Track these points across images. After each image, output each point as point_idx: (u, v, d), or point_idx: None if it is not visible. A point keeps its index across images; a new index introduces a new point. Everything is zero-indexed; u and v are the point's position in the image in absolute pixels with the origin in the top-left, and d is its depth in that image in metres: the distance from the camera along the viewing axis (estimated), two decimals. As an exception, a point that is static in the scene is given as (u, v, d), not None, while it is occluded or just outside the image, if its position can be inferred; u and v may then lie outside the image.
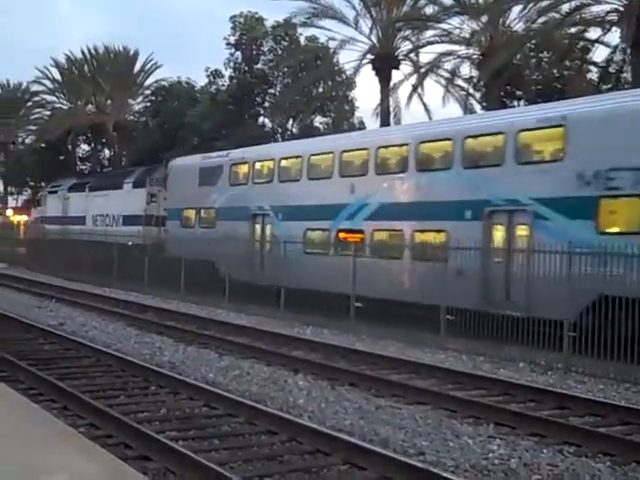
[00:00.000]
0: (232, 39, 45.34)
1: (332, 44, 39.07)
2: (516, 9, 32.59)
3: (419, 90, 37.08)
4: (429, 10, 35.29)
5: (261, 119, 47.46)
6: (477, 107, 36.37)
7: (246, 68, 45.46)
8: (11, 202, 71.19)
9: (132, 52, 58.65)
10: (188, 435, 8.62)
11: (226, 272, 22.54)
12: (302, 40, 44.53)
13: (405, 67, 37.23)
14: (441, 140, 18.77)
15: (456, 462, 7.84)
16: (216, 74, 47.28)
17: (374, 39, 36.62)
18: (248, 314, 20.39)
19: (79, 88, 58.62)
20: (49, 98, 64.13)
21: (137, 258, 26.93)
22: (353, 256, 18.75)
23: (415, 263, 18.03)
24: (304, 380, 12.06)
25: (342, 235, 20.79)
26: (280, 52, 45.06)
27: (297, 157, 23.18)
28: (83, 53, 59.32)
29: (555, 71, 34.18)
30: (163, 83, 54.19)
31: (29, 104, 69.30)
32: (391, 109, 36.99)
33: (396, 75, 37.05)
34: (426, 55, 36.81)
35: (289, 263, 20.68)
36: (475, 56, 34.08)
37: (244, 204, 24.22)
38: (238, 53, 45.45)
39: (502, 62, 30.46)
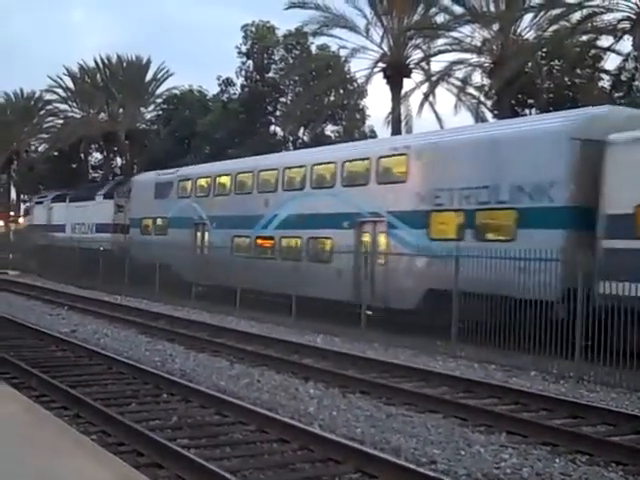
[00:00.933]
0: (244, 48, 45.57)
1: (343, 53, 39.23)
2: (527, 17, 32.62)
3: (430, 98, 37.12)
4: (440, 19, 35.34)
5: (273, 127, 47.60)
6: (489, 115, 36.39)
7: (258, 77, 45.61)
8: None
9: (144, 61, 58.94)
10: (200, 443, 8.63)
11: (177, 272, 26.38)
12: (313, 49, 44.68)
13: (416, 75, 37.29)
14: (327, 164, 22.75)
15: (468, 471, 7.82)
16: (228, 83, 47.46)
17: (385, 47, 36.69)
18: (259, 322, 20.42)
19: (92, 97, 58.95)
20: (62, 107, 64.49)
21: (148, 267, 27.21)
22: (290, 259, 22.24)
23: (310, 264, 21.22)
24: (315, 388, 12.06)
25: (259, 241, 24.70)
26: (291, 61, 45.21)
27: (227, 175, 27.22)
28: (96, 62, 59.66)
29: (567, 79, 34.09)
30: (175, 91, 54.44)
31: (42, 113, 69.68)
32: (402, 117, 37.05)
33: (407, 83, 37.13)
34: (437, 63, 36.75)
35: (220, 265, 24.12)
36: (486, 64, 34.05)
37: (189, 214, 27.94)
38: (250, 62, 45.63)
39: (513, 70, 30.44)
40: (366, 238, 20.62)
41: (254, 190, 25.15)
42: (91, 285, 29.34)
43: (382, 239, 20.04)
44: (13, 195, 71.71)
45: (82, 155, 61.63)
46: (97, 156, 64.12)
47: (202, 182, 28.47)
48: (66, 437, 6.40)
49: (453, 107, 36.73)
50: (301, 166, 23.62)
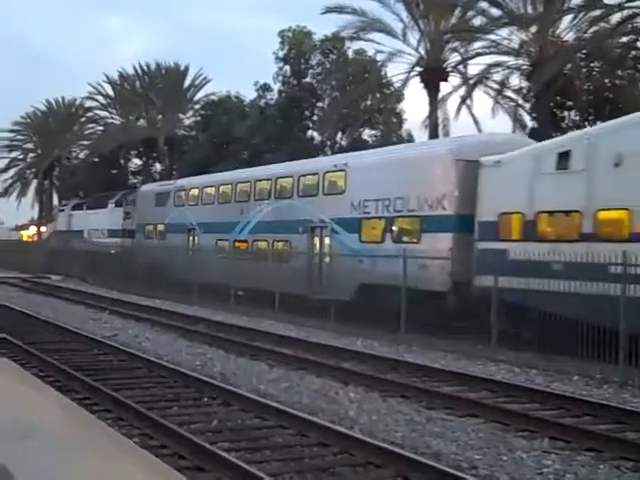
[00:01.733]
0: (281, 53, 45.74)
1: (380, 57, 39.20)
2: (566, 19, 32.23)
3: (468, 102, 36.90)
4: (477, 21, 35.11)
5: (310, 132, 47.68)
6: (527, 118, 36.08)
7: (295, 82, 45.75)
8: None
9: (182, 67, 59.49)
10: (240, 446, 8.67)
11: (173, 273, 29.18)
12: (350, 53, 44.67)
13: (453, 79, 37.12)
14: (288, 177, 26.07)
15: (510, 477, 7.75)
16: (265, 88, 47.67)
17: (422, 51, 36.61)
18: (297, 325, 20.47)
19: (131, 103, 59.66)
20: (102, 114, 65.35)
21: (187, 272, 27.59)
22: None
23: (274, 263, 24.21)
24: (355, 392, 12.05)
25: (237, 244, 27.85)
26: (328, 65, 45.27)
27: (212, 186, 30.94)
28: (135, 69, 60.40)
29: (607, 81, 33.64)
30: (213, 97, 54.83)
31: (83, 120, 70.67)
32: (440, 121, 36.89)
33: (444, 87, 36.97)
34: (474, 66, 36.54)
35: (208, 264, 27.14)
36: (524, 67, 33.74)
37: (183, 221, 31.48)
38: (287, 67, 45.79)
39: (552, 72, 30.09)
40: (315, 241, 24.05)
41: (232, 200, 28.79)
42: (131, 289, 29.68)
43: (326, 241, 23.51)
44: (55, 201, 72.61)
45: (122, 161, 62.32)
46: (136, 162, 64.77)
47: (193, 192, 32.04)
48: (110, 440, 6.46)
49: (491, 110, 36.47)
50: (268, 179, 27.28)
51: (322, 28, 53.35)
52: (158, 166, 62.27)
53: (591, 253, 14.50)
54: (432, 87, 36.10)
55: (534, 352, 15.05)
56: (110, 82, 61.82)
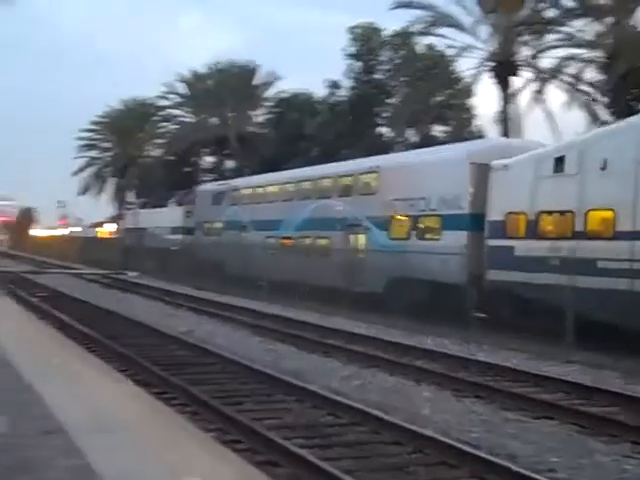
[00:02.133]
0: (351, 50, 45.69)
1: (450, 52, 38.79)
2: (643, 9, 31.38)
3: (540, 96, 36.24)
4: (550, 13, 34.45)
5: (380, 129, 47.52)
6: (602, 112, 35.19)
7: (365, 78, 45.66)
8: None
9: (254, 65, 59.97)
10: (314, 443, 8.73)
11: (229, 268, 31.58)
12: (420, 49, 44.33)
13: (526, 73, 36.50)
14: (328, 178, 27.95)
15: (589, 480, 7.62)
16: (335, 85, 47.71)
17: (493, 45, 36.08)
18: (368, 323, 20.46)
19: (203, 101, 60.43)
20: (175, 112, 66.38)
21: (259, 269, 27.94)
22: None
23: (317, 257, 26.20)
24: (428, 391, 12.01)
25: (283, 241, 29.72)
26: (398, 61, 45.02)
27: (262, 187, 33.34)
28: (207, 67, 61.17)
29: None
30: (283, 95, 55.09)
31: (157, 118, 71.91)
32: (511, 116, 36.31)
33: (516, 81, 36.38)
34: (547, 60, 35.83)
35: (258, 260, 29.06)
36: (600, 59, 32.95)
37: (237, 219, 33.71)
38: (357, 63, 45.72)
39: (629, 65, 29.33)
40: (352, 238, 25.68)
41: (280, 199, 30.74)
42: (206, 286, 30.11)
43: (362, 239, 25.16)
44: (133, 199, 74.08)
45: (195, 159, 63.19)
46: (209, 160, 65.58)
47: (246, 192, 34.43)
48: (187, 434, 6.60)
49: (565, 104, 35.72)
50: (311, 180, 29.14)
51: (391, 24, 53.12)
52: (230, 163, 62.94)
53: (581, 249, 16.42)
54: (503, 82, 35.59)
55: (607, 353, 14.75)
56: (183, 81, 62.77)
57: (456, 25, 36.02)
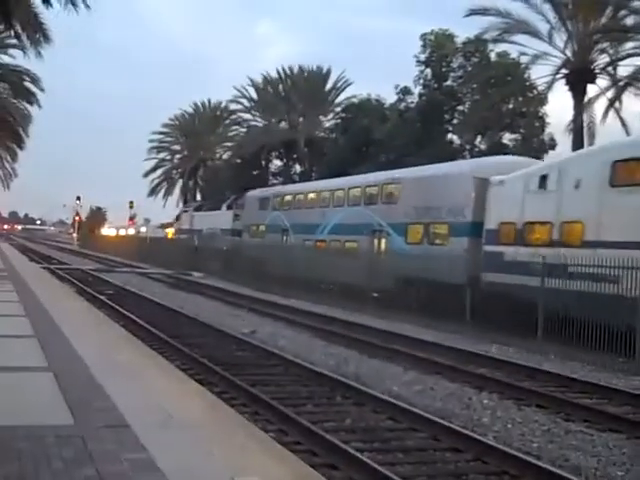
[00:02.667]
0: (422, 56, 45.50)
1: (524, 59, 38.23)
2: None
3: (616, 105, 35.46)
4: (630, 21, 33.66)
5: (449, 136, 47.18)
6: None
7: (435, 85, 45.41)
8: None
9: (324, 70, 60.27)
10: (373, 447, 8.71)
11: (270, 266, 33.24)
12: (492, 56, 43.85)
13: (601, 81, 35.76)
14: (357, 187, 30.90)
15: (654, 496, 7.41)
16: (405, 91, 47.57)
17: (569, 53, 35.47)
18: (433, 329, 20.30)
19: (273, 106, 61.00)
20: (245, 116, 67.13)
21: (321, 273, 28.11)
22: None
23: (345, 259, 28.62)
24: (489, 399, 11.86)
25: (318, 244, 32.38)
26: (470, 68, 44.63)
27: (301, 193, 36.26)
28: (278, 72, 61.74)
29: None
30: (353, 100, 55.17)
31: (227, 122, 72.86)
32: (585, 125, 35.62)
33: (591, 89, 35.68)
34: (625, 68, 35.02)
35: (297, 261, 31.44)
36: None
37: (279, 223, 36.34)
38: (428, 70, 45.51)
39: None
40: (376, 242, 28.33)
41: (316, 205, 33.53)
42: (266, 288, 30.31)
43: (383, 243, 27.85)
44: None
45: (263, 162, 63.78)
46: (277, 163, 66.10)
47: (287, 198, 36.99)
48: (247, 433, 6.64)
49: (641, 113, 34.86)
50: (343, 189, 31.94)
51: (465, 31, 52.74)
52: (298, 168, 63.34)
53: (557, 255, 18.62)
54: (578, 90, 34.94)
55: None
56: (254, 85, 63.45)
57: (531, 32, 35.49)
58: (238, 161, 63.82)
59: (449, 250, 23.07)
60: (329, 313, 23.10)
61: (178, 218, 62.93)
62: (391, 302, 24.14)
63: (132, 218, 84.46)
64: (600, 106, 36.57)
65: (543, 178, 20.44)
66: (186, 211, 59.71)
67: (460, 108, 45.94)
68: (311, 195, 34.99)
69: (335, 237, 30.79)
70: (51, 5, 24.63)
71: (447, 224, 24.03)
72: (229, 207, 47.84)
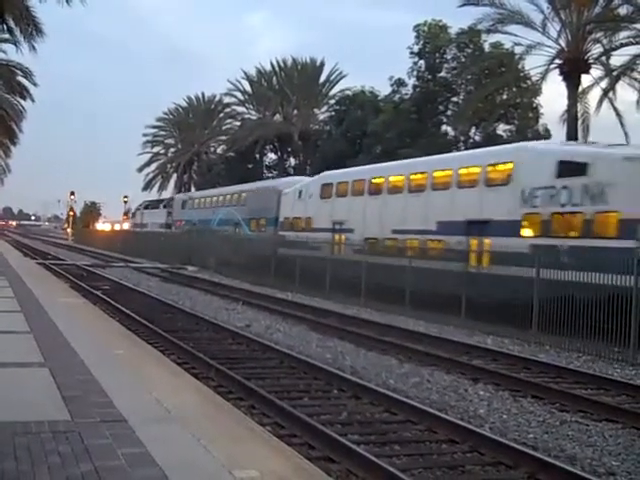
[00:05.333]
0: (416, 48, 45.49)
1: (518, 50, 38.21)
2: None
3: (610, 95, 35.47)
4: (623, 11, 33.64)
5: (444, 127, 47.19)
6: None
7: (429, 76, 45.40)
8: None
9: (318, 63, 60.21)
10: (369, 439, 8.72)
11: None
12: (486, 47, 43.86)
13: (595, 71, 35.77)
14: (227, 195, 46.10)
15: (650, 486, 7.45)
16: (399, 83, 47.56)
17: (562, 43, 35.46)
18: (428, 321, 20.33)
19: (267, 99, 60.95)
20: (239, 109, 67.12)
21: (318, 267, 28.03)
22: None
23: (222, 241, 39.52)
24: (485, 390, 11.89)
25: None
26: (464, 59, 44.63)
27: (203, 198, 51.05)
28: (272, 65, 61.66)
29: None
30: (347, 92, 55.20)
31: (221, 115, 72.74)
32: (579, 115, 35.64)
33: (585, 80, 35.69)
34: (619, 58, 35.02)
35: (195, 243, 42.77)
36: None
37: (192, 218, 49.70)
38: (422, 62, 45.50)
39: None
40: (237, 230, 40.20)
41: (210, 207, 46.10)
42: (264, 282, 30.35)
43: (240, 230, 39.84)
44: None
45: (257, 156, 63.76)
46: (271, 157, 66.11)
47: (196, 201, 51.22)
48: (243, 427, 6.65)
49: (636, 103, 34.89)
50: (222, 195, 46.43)
51: (458, 22, 52.72)
52: (292, 161, 63.34)
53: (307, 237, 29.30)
54: (572, 80, 34.93)
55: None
56: (248, 78, 63.37)
57: (525, 22, 35.44)
58: (232, 154, 63.78)
59: (266, 234, 36.18)
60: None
61: (133, 215, 76.09)
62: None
63: (127, 213, 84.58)
64: (594, 96, 36.62)
65: (300, 192, 33.75)
66: (139, 209, 72.36)
67: (454, 99, 45.99)
68: (207, 199, 49.78)
69: (219, 227, 43.86)
70: (44, -2, 24.53)
71: (264, 218, 38.09)
72: (164, 207, 61.48)
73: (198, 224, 47.72)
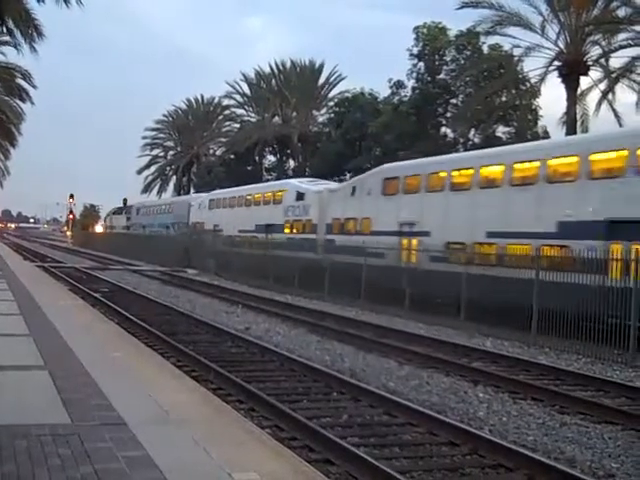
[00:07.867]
0: (415, 50, 45.51)
1: (517, 52, 38.27)
2: None
3: (609, 96, 35.52)
4: (622, 12, 33.68)
5: (443, 129, 47.22)
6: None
7: (429, 78, 45.42)
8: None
9: (317, 65, 60.25)
10: (369, 442, 8.71)
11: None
12: (485, 49, 43.88)
13: (594, 73, 35.82)
14: (163, 205, 63.37)
15: (650, 487, 7.45)
16: (399, 85, 47.57)
17: (561, 45, 35.52)
18: (427, 324, 20.32)
19: (266, 101, 60.98)
20: (239, 111, 67.18)
21: (317, 269, 27.99)
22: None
23: (160, 240, 53.78)
24: (484, 392, 11.89)
25: (150, 232, 60.82)
26: (463, 61, 44.65)
27: (148, 207, 66.02)
28: (271, 67, 61.70)
29: None
30: (346, 94, 55.19)
31: (220, 117, 72.76)
32: (578, 117, 35.69)
33: (584, 82, 35.75)
34: (617, 59, 35.07)
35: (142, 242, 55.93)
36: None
37: (142, 222, 65.10)
38: (421, 64, 45.51)
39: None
40: (168, 231, 54.85)
41: (152, 214, 62.08)
42: (263, 285, 30.36)
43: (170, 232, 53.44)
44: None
45: (256, 158, 63.77)
46: (271, 159, 66.10)
47: (144, 209, 63.91)
48: (243, 429, 6.66)
49: (635, 105, 34.94)
50: (160, 205, 62.23)
51: (457, 24, 52.68)
52: (292, 163, 63.34)
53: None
54: (571, 82, 34.99)
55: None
56: (247, 80, 63.40)
57: (524, 24, 35.51)
58: (232, 157, 63.79)
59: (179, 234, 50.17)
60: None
61: (104, 219, 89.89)
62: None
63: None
64: (593, 98, 36.68)
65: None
66: (108, 215, 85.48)
67: (453, 101, 45.99)
68: (151, 208, 63.59)
69: (157, 229, 57.03)
70: (43, 1, 24.58)
71: (182, 222, 50.63)
72: (125, 212, 74.61)
73: (147, 227, 61.35)
